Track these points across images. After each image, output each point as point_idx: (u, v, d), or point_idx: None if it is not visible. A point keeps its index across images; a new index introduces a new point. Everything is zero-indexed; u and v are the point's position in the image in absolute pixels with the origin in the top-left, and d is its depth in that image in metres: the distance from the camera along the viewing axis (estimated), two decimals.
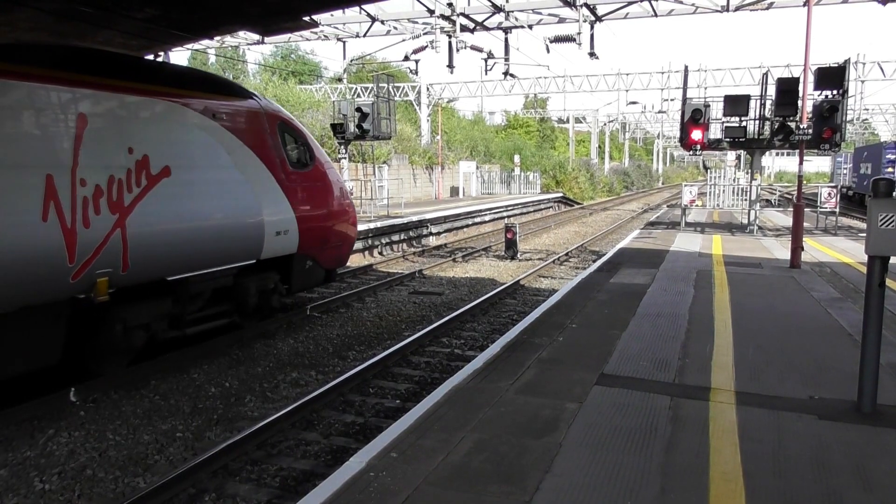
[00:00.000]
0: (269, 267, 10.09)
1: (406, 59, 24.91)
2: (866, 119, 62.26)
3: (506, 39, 22.56)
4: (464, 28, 21.53)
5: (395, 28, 23.64)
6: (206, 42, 24.45)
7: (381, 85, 23.40)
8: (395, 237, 21.37)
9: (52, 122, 6.90)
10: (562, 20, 21.76)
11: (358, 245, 17.83)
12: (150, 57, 15.71)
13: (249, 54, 57.72)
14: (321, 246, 11.01)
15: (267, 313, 10.54)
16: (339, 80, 37.66)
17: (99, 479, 5.79)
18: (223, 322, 9.54)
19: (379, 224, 20.39)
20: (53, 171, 6.77)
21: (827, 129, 14.46)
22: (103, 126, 7.41)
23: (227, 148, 9.09)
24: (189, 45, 22.58)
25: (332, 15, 22.27)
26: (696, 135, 17.04)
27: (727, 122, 17.62)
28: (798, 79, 15.10)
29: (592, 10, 20.08)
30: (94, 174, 7.17)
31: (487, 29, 21.98)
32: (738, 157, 31.02)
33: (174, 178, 8.15)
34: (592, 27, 20.70)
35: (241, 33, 23.18)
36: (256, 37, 22.96)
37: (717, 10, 20.06)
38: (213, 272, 8.92)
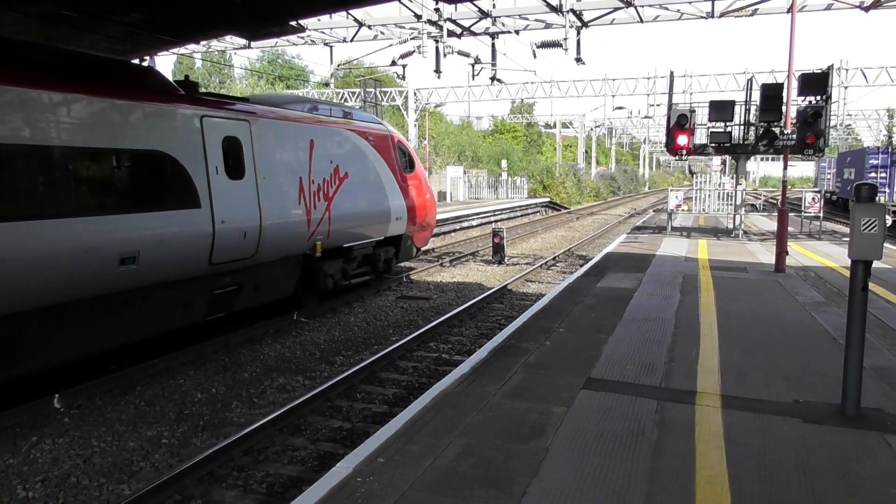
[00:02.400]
0: (388, 243, 14.13)
1: (393, 63, 24.94)
2: (850, 124, 62.96)
3: (493, 45, 22.63)
4: (451, 33, 21.57)
5: (383, 33, 23.62)
6: (192, 46, 24.39)
7: (368, 90, 23.32)
8: None
9: (301, 146, 11.10)
10: (548, 26, 21.84)
11: None
12: (136, 61, 15.63)
13: (236, 59, 57.65)
14: (417, 229, 15.18)
15: (385, 275, 14.54)
16: (327, 84, 37.60)
17: (83, 487, 5.74)
18: (366, 278, 13.57)
19: None
20: (302, 175, 10.93)
21: (811, 134, 14.56)
22: (320, 148, 11.55)
23: (373, 159, 13.34)
24: (175, 50, 22.52)
25: (318, 20, 22.23)
26: (682, 140, 17.14)
27: (712, 127, 17.74)
28: (782, 85, 15.24)
29: (579, 15, 20.16)
30: (317, 177, 11.33)
31: (474, 34, 22.04)
32: (724, 162, 31.25)
33: (349, 180, 12.34)
34: (579, 33, 20.79)
35: (228, 38, 23.09)
36: (243, 41, 22.87)
37: (702, 16, 20.21)
38: (364, 244, 13.04)
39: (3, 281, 6.53)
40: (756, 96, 16.86)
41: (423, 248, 17.50)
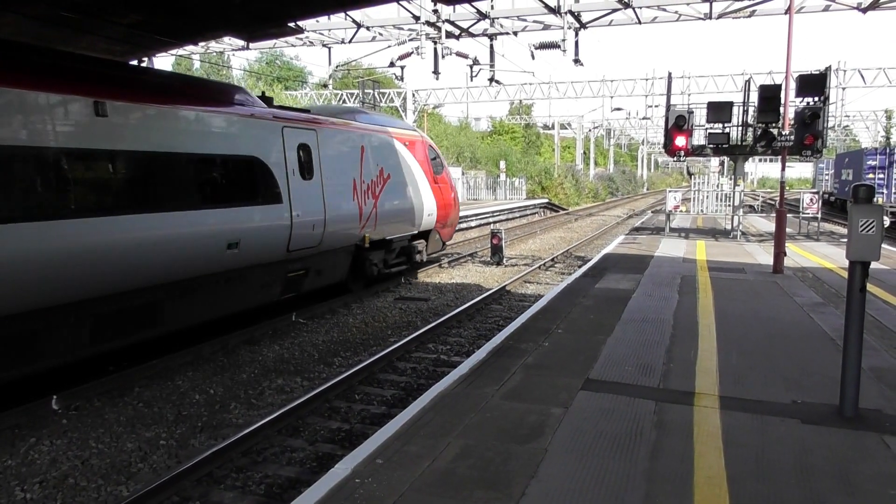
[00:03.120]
0: (419, 236, 15.92)
1: (391, 65, 24.95)
2: (847, 125, 63.03)
3: (491, 46, 22.64)
4: (449, 34, 21.58)
5: (381, 34, 23.61)
6: (190, 47, 24.39)
7: (366, 91, 23.37)
8: None
9: (355, 151, 12.97)
10: (546, 27, 21.85)
11: None
12: (135, 62, 15.63)
13: (234, 60, 57.63)
14: (443, 225, 16.98)
15: (416, 266, 16.28)
16: (325, 85, 37.64)
17: (81, 488, 5.73)
18: (403, 267, 15.36)
19: None
20: (355, 176, 12.78)
21: (809, 135, 14.58)
22: (369, 152, 13.48)
23: (410, 162, 15.21)
24: (174, 51, 22.51)
25: (317, 21, 22.21)
26: (680, 141, 17.16)
27: (710, 128, 17.75)
28: (780, 86, 15.26)
29: (577, 17, 20.17)
30: (367, 178, 13.17)
31: (472, 35, 22.04)
32: (722, 164, 31.29)
33: (391, 180, 14.13)
34: (577, 34, 20.80)
35: (226, 39, 23.08)
36: (241, 42, 22.86)
37: (700, 18, 20.23)
38: (402, 237, 14.82)
39: (151, 259, 8.27)
40: (754, 97, 16.89)
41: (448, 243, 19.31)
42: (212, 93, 9.90)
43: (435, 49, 21.85)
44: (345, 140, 12.78)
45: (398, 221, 14.49)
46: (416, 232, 15.45)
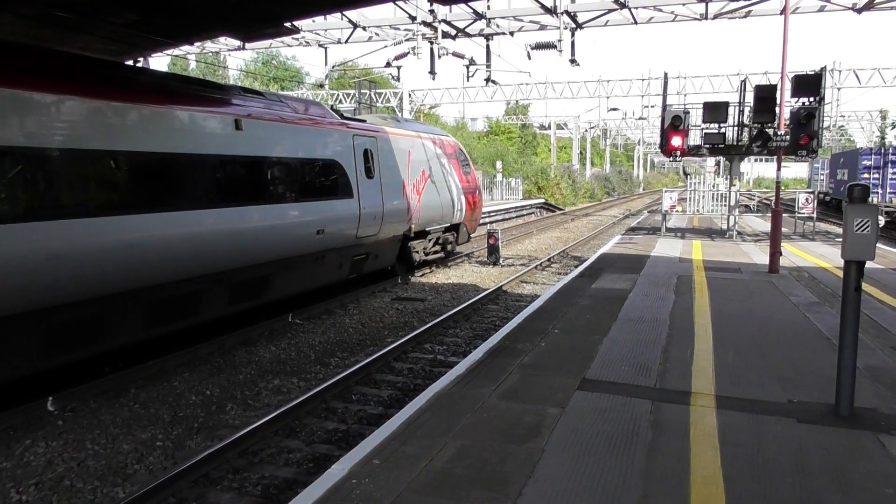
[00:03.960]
0: (451, 229, 18.07)
1: (388, 65, 24.93)
2: (843, 126, 63.18)
3: (487, 46, 22.63)
4: (445, 34, 21.56)
5: (377, 34, 23.59)
6: (186, 47, 24.35)
7: (363, 91, 23.42)
8: None
9: (404, 154, 15.16)
10: (543, 27, 21.84)
11: None
12: (130, 62, 15.59)
13: (230, 60, 57.54)
14: (470, 219, 19.07)
15: (448, 255, 18.48)
16: (321, 86, 37.62)
17: (77, 490, 5.72)
18: (439, 255, 17.71)
19: None
20: (404, 175, 14.96)
21: (804, 135, 14.63)
22: (414, 155, 15.79)
23: (445, 164, 17.57)
24: (169, 51, 22.46)
25: (313, 21, 22.17)
26: (676, 141, 17.19)
27: (706, 128, 17.78)
28: (776, 86, 15.28)
29: (573, 17, 20.18)
30: (413, 177, 15.35)
31: (469, 36, 22.02)
32: (718, 164, 31.31)
33: (431, 179, 16.44)
34: (573, 34, 20.81)
35: (222, 39, 23.05)
36: (237, 42, 22.82)
37: (695, 18, 20.25)
38: (438, 228, 17.08)
39: (267, 242, 10.43)
40: (750, 97, 16.93)
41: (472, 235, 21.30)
42: (306, 108, 12.27)
43: (431, 49, 21.83)
44: (396, 145, 15.03)
45: (436, 215, 16.73)
46: (449, 224, 17.71)
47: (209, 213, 9.22)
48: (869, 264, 5.37)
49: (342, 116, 13.26)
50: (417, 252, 16.14)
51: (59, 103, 7.23)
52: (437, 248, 17.45)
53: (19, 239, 6.74)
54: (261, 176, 10.50)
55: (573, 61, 21.34)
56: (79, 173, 7.53)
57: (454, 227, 18.20)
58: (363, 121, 14.35)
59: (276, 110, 11.04)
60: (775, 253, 12.92)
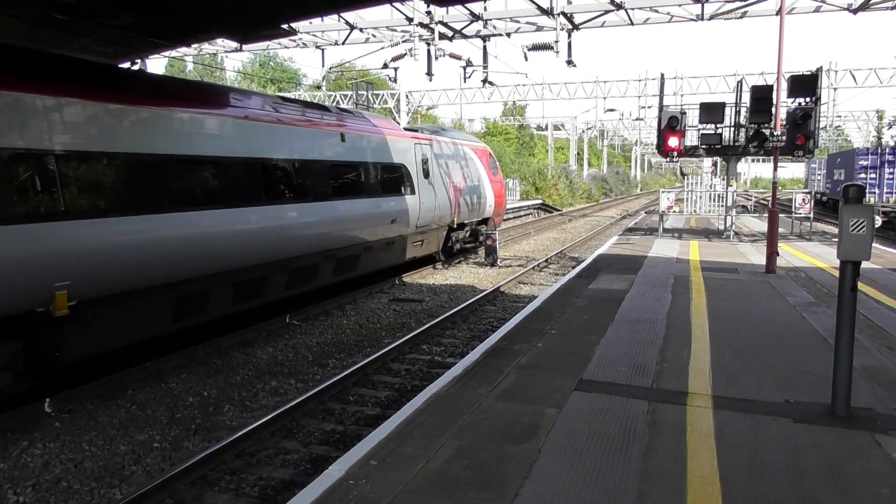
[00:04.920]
0: (482, 222, 20.70)
1: (385, 66, 24.91)
2: (839, 126, 63.29)
3: (484, 47, 22.63)
4: (442, 36, 21.57)
5: (374, 36, 23.58)
6: (183, 49, 24.32)
7: (360, 93, 23.56)
8: None
9: (450, 158, 18.08)
10: (539, 28, 21.85)
11: None
12: (127, 65, 15.57)
13: (227, 62, 57.46)
14: (497, 214, 22.01)
15: (479, 244, 20.52)
16: (318, 87, 37.63)
17: (74, 491, 5.72)
18: (473, 245, 20.26)
19: None
20: (449, 176, 17.70)
21: (800, 135, 14.63)
22: (457, 159, 18.57)
23: (479, 166, 20.25)
24: (166, 53, 22.45)
25: (310, 23, 22.16)
26: (673, 142, 17.20)
27: (703, 129, 17.81)
28: (772, 86, 15.31)
29: (570, 18, 20.19)
30: (455, 178, 18.11)
31: (466, 37, 22.02)
32: (715, 164, 31.37)
33: (468, 179, 19.17)
34: (570, 35, 20.82)
35: (219, 41, 23.03)
36: (234, 44, 22.80)
37: (692, 19, 20.27)
38: (473, 221, 19.78)
39: (362, 228, 13.32)
40: (746, 98, 16.94)
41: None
42: (381, 121, 15.32)
43: (428, 51, 21.83)
44: (443, 151, 18.00)
45: (472, 210, 19.45)
46: (480, 219, 20.45)
47: (325, 206, 12.15)
48: (865, 264, 5.39)
49: (406, 127, 16.85)
50: (458, 241, 19.08)
51: (248, 127, 10.31)
52: (471, 238, 20.19)
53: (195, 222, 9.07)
54: (357, 176, 13.41)
55: (570, 62, 21.36)
56: (266, 175, 10.61)
57: (484, 221, 21.02)
58: (416, 130, 17.62)
59: (361, 124, 13.99)
60: (772, 253, 12.95)
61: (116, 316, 8.13)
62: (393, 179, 14.77)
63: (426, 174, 16.38)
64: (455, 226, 18.39)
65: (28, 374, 7.29)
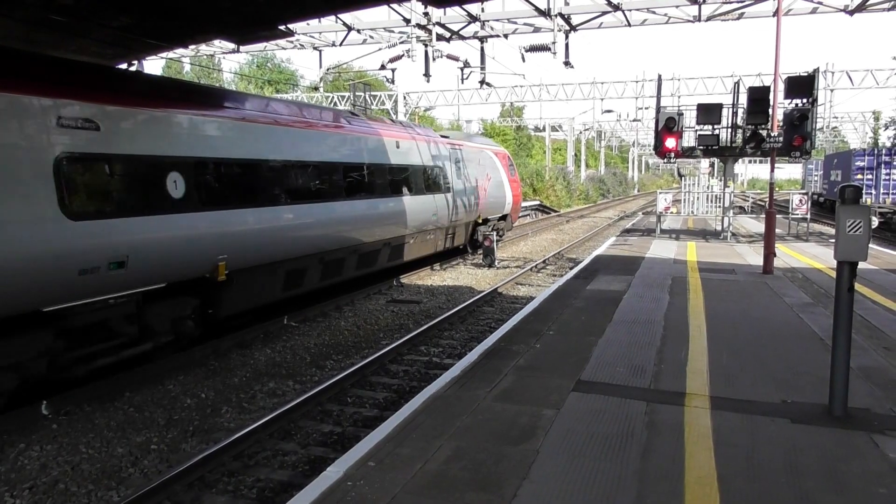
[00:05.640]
0: (502, 218, 22.81)
1: (382, 67, 24.89)
2: (836, 127, 63.37)
3: (482, 48, 22.65)
4: (440, 37, 21.57)
5: (372, 37, 23.58)
6: (181, 50, 24.30)
7: (357, 94, 23.68)
8: None
9: (477, 161, 20.68)
10: (537, 30, 21.87)
11: None
12: (125, 66, 15.55)
13: (225, 63, 57.40)
14: (513, 211, 24.14)
15: (500, 237, 22.53)
16: (316, 88, 37.59)
17: (71, 494, 5.71)
18: (498, 237, 21.64)
19: None
20: (477, 177, 20.31)
21: (797, 136, 14.64)
22: (483, 161, 21.11)
23: (500, 169, 22.36)
24: (164, 54, 22.41)
25: (307, 24, 22.17)
26: (670, 143, 17.21)
27: (700, 130, 17.82)
28: (769, 88, 15.32)
29: (567, 19, 20.22)
30: (480, 178, 20.49)
31: (463, 38, 22.03)
32: (712, 165, 31.43)
33: (491, 180, 21.38)
34: (567, 37, 20.84)
35: (217, 42, 23.01)
36: (232, 45, 22.79)
37: (689, 20, 20.30)
38: (494, 217, 21.86)
39: (410, 220, 15.42)
40: (743, 99, 16.94)
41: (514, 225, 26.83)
42: (423, 129, 18.44)
43: (426, 52, 21.82)
44: (471, 155, 20.37)
45: (494, 207, 21.71)
46: (500, 215, 22.62)
47: (386, 201, 14.43)
48: (862, 265, 5.40)
49: (441, 134, 19.42)
50: (482, 235, 20.66)
51: (337, 137, 13.00)
52: (492, 232, 22.12)
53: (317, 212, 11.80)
54: (409, 177, 15.88)
55: (567, 63, 21.39)
56: (347, 176, 13.06)
57: (503, 217, 23.24)
58: (447, 136, 19.65)
59: (410, 132, 16.66)
60: (769, 254, 12.97)
61: (250, 284, 10.34)
62: (434, 179, 17.30)
63: (459, 175, 18.90)
64: (480, 221, 20.59)
65: (198, 324, 9.63)
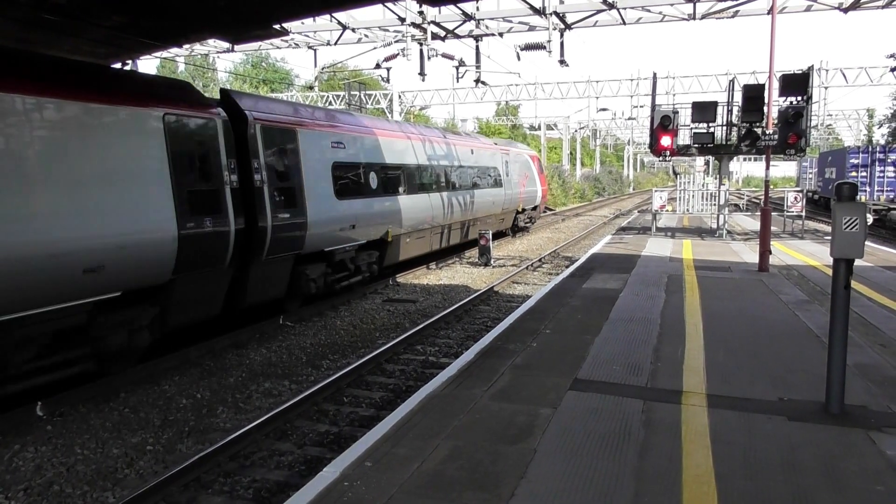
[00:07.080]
0: (534, 209, 28.38)
1: (377, 66, 24.85)
2: (830, 124, 63.59)
3: (477, 47, 22.61)
4: (435, 36, 21.53)
5: (367, 36, 23.52)
6: (175, 50, 24.22)
7: (352, 93, 23.75)
8: None
9: (519, 163, 26.49)
10: (532, 28, 21.84)
11: None
12: (118, 65, 15.49)
13: (219, 62, 57.26)
14: (541, 203, 29.56)
15: (532, 223, 28.98)
16: (311, 88, 37.53)
17: (67, 495, 5.68)
18: (529, 224, 28.35)
19: None
20: (519, 175, 26.28)
21: (792, 134, 14.68)
22: (522, 163, 27.03)
23: (532, 168, 28.14)
24: (158, 54, 22.34)
25: (302, 23, 22.09)
26: (666, 141, 17.24)
27: (695, 128, 17.83)
28: (763, 85, 15.34)
29: (562, 18, 20.19)
30: (521, 176, 26.53)
31: (458, 37, 21.99)
32: (707, 163, 31.44)
33: (528, 178, 27.37)
34: (562, 35, 20.81)
35: (211, 41, 22.94)
36: (226, 45, 22.72)
37: (683, 18, 20.31)
38: (530, 207, 27.82)
39: (476, 208, 20.93)
40: (738, 97, 16.99)
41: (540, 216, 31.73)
42: (484, 138, 24.19)
43: (421, 51, 21.79)
44: (515, 157, 25.82)
45: (529, 199, 27.10)
46: (532, 206, 27.85)
47: (466, 193, 19.89)
48: (858, 262, 5.39)
49: (493, 140, 25.59)
50: (521, 221, 26.81)
51: (439, 146, 18.78)
52: (528, 219, 27.83)
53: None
54: (479, 175, 21.33)
55: (562, 62, 21.35)
56: (445, 174, 18.66)
57: (535, 207, 28.38)
58: (497, 143, 25.14)
59: (475, 141, 22.10)
60: (765, 251, 12.98)
61: (403, 245, 15.69)
62: (492, 177, 22.69)
63: (507, 174, 24.20)
64: (520, 210, 26.14)
65: (378, 268, 14.78)
